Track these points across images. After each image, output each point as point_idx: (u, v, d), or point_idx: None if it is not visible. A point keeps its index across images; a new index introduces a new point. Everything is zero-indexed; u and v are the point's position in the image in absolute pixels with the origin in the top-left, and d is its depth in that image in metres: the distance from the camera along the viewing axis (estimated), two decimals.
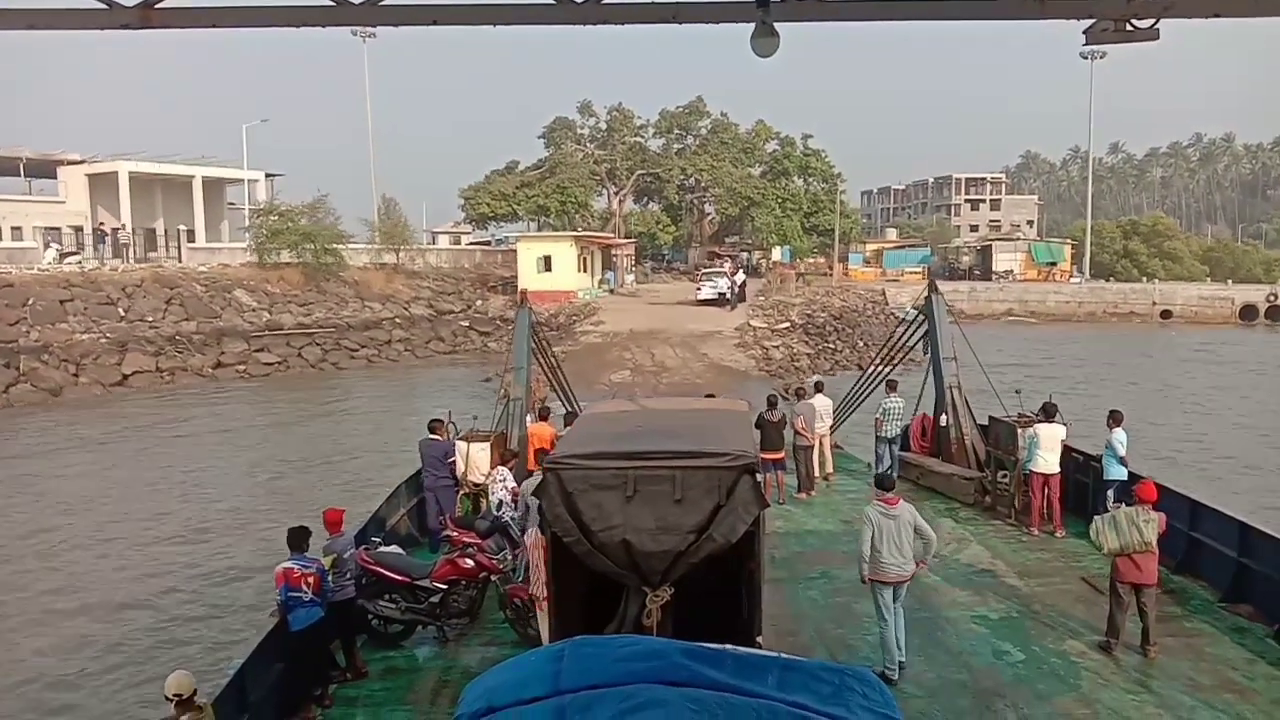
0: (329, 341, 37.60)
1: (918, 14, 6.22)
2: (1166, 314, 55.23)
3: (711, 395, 14.17)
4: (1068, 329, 51.69)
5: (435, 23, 6.41)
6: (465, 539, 8.75)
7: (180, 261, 40.40)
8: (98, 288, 33.70)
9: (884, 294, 51.76)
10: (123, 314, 33.20)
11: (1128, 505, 8.15)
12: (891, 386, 14.16)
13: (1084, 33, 6.38)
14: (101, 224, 40.74)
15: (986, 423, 13.20)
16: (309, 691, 7.28)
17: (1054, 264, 65.76)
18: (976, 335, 42.34)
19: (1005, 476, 12.20)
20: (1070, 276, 64.71)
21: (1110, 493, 10.60)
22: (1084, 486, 11.39)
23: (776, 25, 5.94)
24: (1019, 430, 11.70)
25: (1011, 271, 64.81)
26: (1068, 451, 11.36)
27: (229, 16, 6.27)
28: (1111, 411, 10.91)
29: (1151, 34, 6.15)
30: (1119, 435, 10.57)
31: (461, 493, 11.26)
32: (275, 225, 41.72)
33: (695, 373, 29.03)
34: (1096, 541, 7.91)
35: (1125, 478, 10.52)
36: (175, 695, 5.61)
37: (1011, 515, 11.68)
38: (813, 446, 13.39)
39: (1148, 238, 69.93)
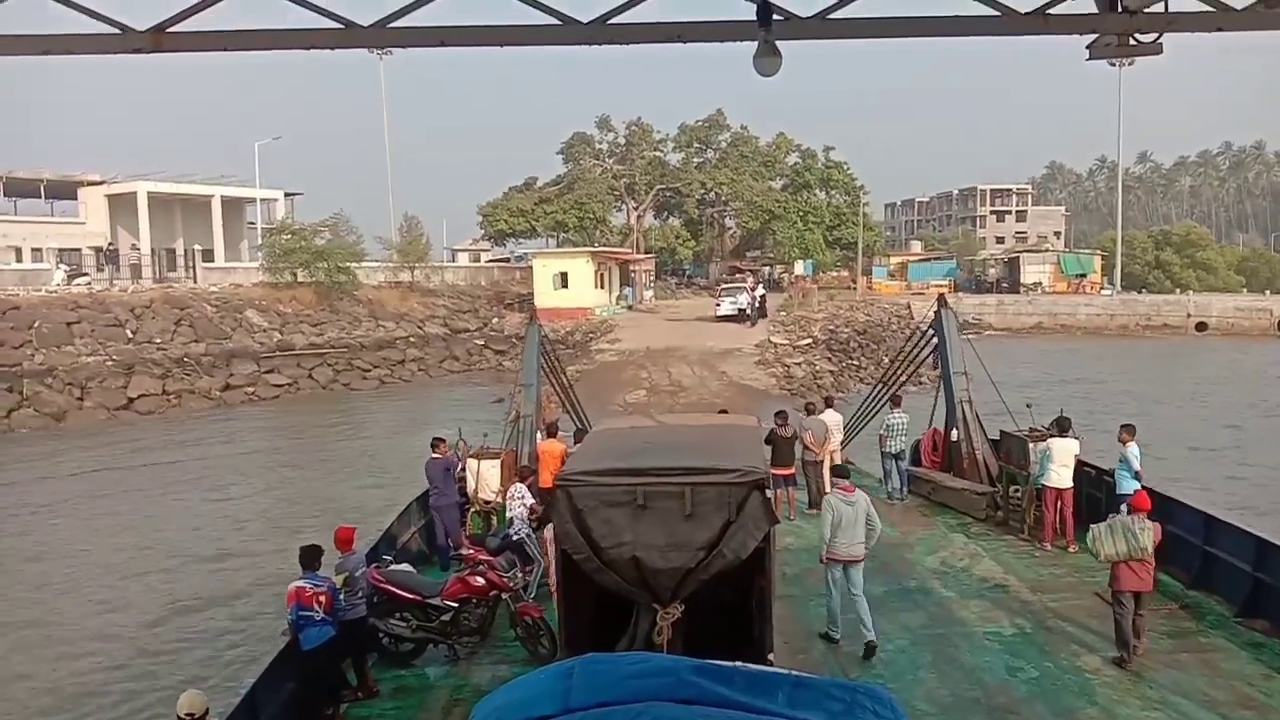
0: (341, 362, 37.67)
1: (921, 31, 6.40)
2: (1202, 326, 54.53)
3: (724, 411, 14.36)
4: (1100, 343, 51.14)
5: (443, 44, 6.65)
6: (480, 556, 8.93)
7: (195, 281, 40.93)
8: (105, 309, 33.71)
9: (909, 308, 51.45)
10: (130, 335, 33.15)
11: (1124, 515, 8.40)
12: (895, 402, 14.41)
13: (1088, 47, 6.56)
14: (112, 244, 41.34)
15: (998, 437, 13.36)
16: (320, 711, 7.43)
17: (1084, 276, 65.16)
18: (1005, 350, 41.94)
19: (1017, 491, 12.34)
20: (1101, 288, 64.15)
21: (1124, 508, 10.54)
22: (1097, 501, 11.45)
23: (780, 45, 6.19)
24: (1031, 445, 11.85)
25: (1040, 284, 64.27)
26: (1081, 466, 11.45)
27: (239, 40, 6.49)
28: (1124, 425, 10.96)
29: (1155, 48, 6.32)
30: (1133, 449, 10.65)
31: (473, 510, 11.47)
32: (288, 244, 42.20)
33: (713, 392, 28.82)
34: (1093, 549, 8.13)
35: None
36: (187, 715, 5.70)
37: (1024, 530, 11.79)
38: (822, 462, 13.44)
39: (1180, 248, 69.32)
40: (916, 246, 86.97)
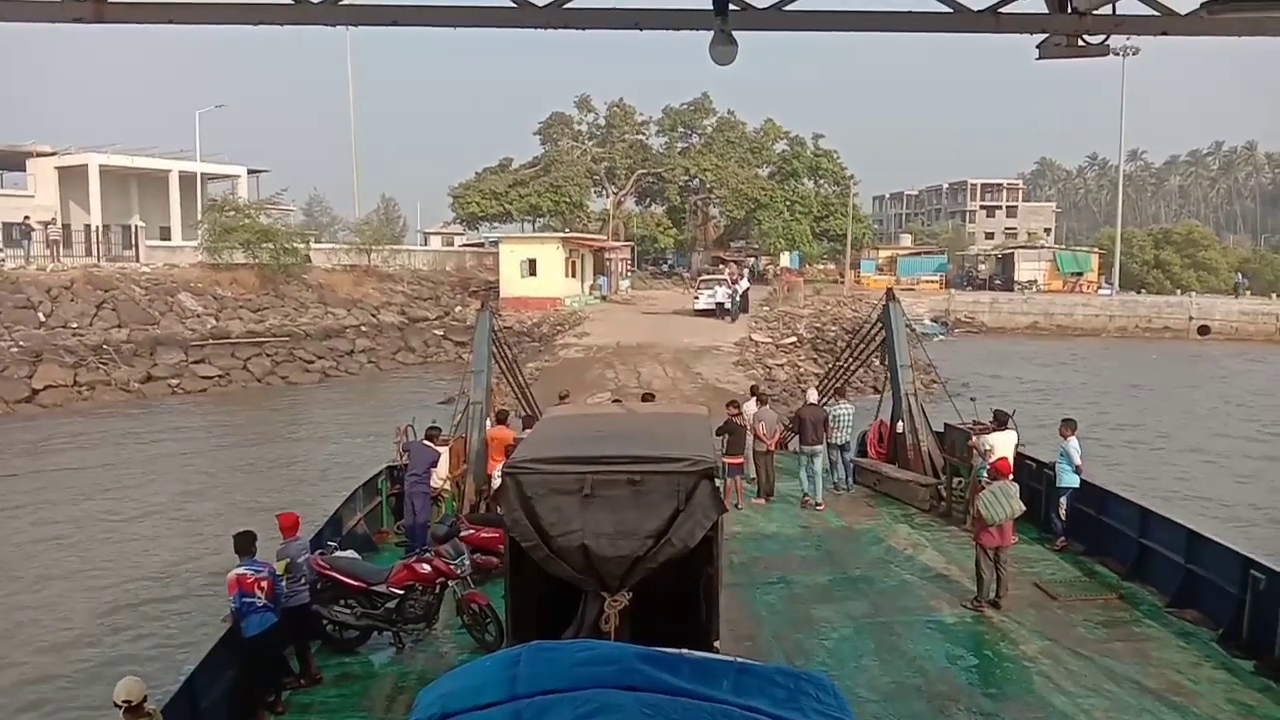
0: (281, 352, 36.56)
1: (875, 26, 6.93)
2: (1204, 330, 55.52)
3: (650, 396, 15.81)
4: (1100, 345, 51.57)
5: (396, 23, 7.09)
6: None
7: (138, 260, 39.95)
8: (17, 289, 32.56)
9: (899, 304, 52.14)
10: (43, 319, 31.90)
11: (994, 481, 9.88)
12: (840, 394, 15.64)
13: (1038, 47, 7.16)
14: (26, 217, 40.37)
15: (942, 430, 14.48)
16: (262, 698, 7.87)
17: (1080, 274, 66.37)
18: (999, 350, 41.41)
19: (961, 483, 13.28)
20: (1098, 288, 65.34)
21: (1063, 500, 11.71)
22: (1038, 493, 12.35)
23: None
24: (974, 437, 12.74)
25: (1035, 282, 65.38)
26: (1021, 458, 12.43)
27: (185, 12, 6.82)
28: (1065, 420, 11.99)
29: (1102, 50, 6.95)
30: (1073, 444, 11.68)
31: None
32: (228, 222, 41.35)
33: (686, 395, 28.19)
34: (989, 515, 9.52)
35: (1078, 485, 11.64)
36: (124, 701, 6.03)
37: (966, 521, 12.49)
38: (772, 453, 14.54)
39: (1181, 247, 70.76)
40: (906, 240, 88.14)
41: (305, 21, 7.07)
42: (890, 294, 16.29)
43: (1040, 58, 7.18)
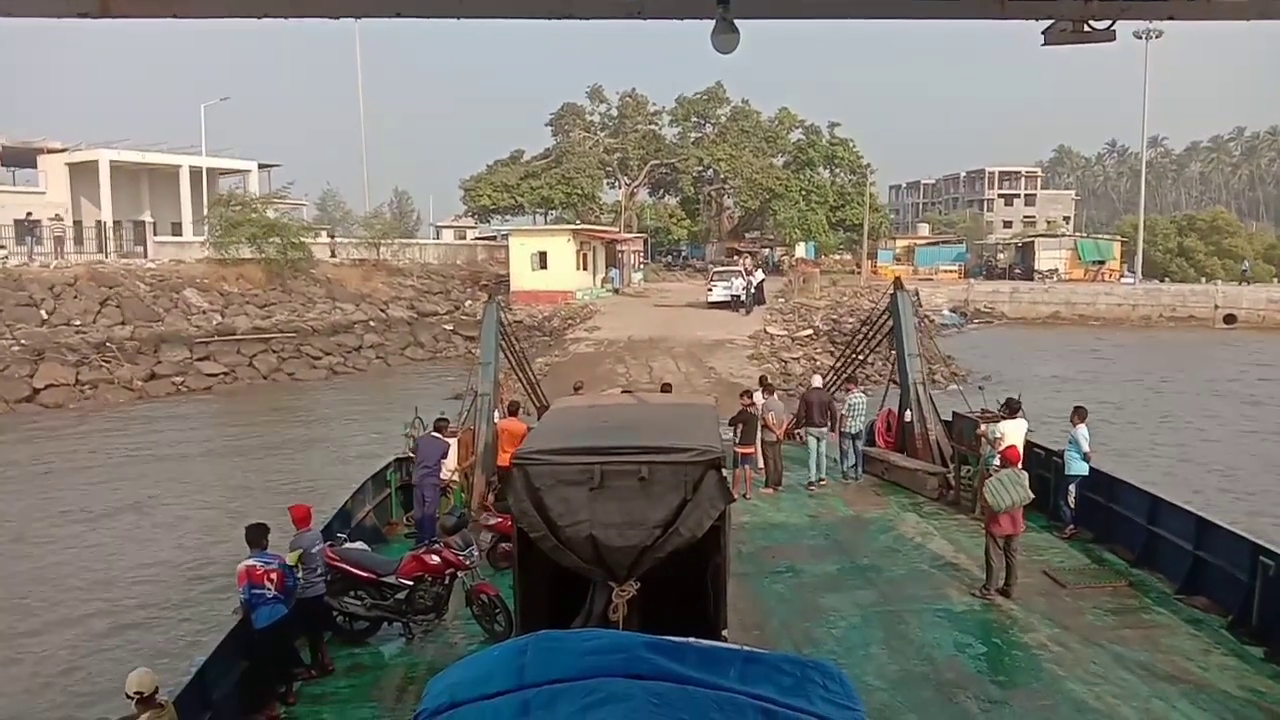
0: (288, 348, 36.60)
1: (877, 13, 7.03)
2: (1230, 319, 55.10)
3: (668, 386, 16.24)
4: (1126, 335, 51.19)
5: (399, 14, 7.20)
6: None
7: (146, 256, 40.28)
8: (20, 286, 32.69)
9: (917, 294, 51.94)
10: (45, 316, 32.04)
11: (1003, 468, 10.01)
12: (853, 383, 15.94)
13: (1043, 33, 7.20)
14: (29, 214, 40.57)
15: (950, 419, 14.73)
16: (273, 689, 8.08)
17: (1102, 262, 65.98)
18: (1019, 340, 40.68)
19: (969, 471, 13.47)
20: (1121, 276, 64.99)
21: (1072, 488, 11.87)
22: (1047, 481, 12.50)
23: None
24: (982, 426, 12.94)
25: (1056, 270, 65.04)
26: (1031, 447, 12.51)
27: (190, 7, 6.93)
28: (1076, 408, 12.11)
29: (1108, 35, 6.97)
30: (1082, 431, 11.83)
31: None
32: (235, 216, 41.53)
33: (699, 390, 27.97)
34: (995, 502, 9.66)
35: (1087, 473, 11.79)
36: (136, 693, 6.24)
37: (975, 510, 12.72)
38: (780, 442, 14.82)
39: (1205, 234, 70.13)
40: (924, 229, 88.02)
41: (307, 14, 7.17)
42: (898, 283, 16.54)
43: (1046, 43, 7.22)
